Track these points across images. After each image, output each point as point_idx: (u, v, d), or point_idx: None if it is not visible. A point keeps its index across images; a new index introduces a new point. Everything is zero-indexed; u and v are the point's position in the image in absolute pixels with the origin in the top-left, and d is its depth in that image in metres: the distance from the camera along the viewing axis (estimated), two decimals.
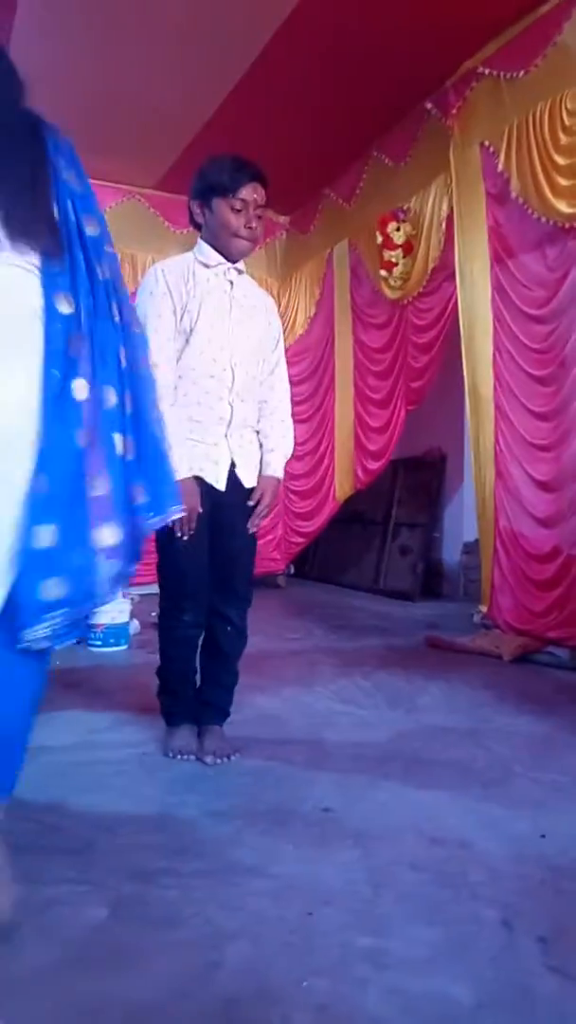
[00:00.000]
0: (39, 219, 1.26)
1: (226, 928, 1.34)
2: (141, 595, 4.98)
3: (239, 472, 2.12)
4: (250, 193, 2.07)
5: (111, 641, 3.62)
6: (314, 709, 2.70)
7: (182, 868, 1.54)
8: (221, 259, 2.13)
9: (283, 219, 5.89)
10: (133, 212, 5.39)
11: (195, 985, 1.19)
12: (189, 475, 2.00)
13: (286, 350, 6.83)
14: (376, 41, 3.72)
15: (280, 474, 2.22)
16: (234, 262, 2.15)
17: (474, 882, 1.49)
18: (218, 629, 2.20)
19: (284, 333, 6.30)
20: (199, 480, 2.05)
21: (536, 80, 3.51)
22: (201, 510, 2.02)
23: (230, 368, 2.09)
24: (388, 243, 4.54)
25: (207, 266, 2.12)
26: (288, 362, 6.73)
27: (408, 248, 4.50)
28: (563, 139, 3.34)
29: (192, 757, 2.16)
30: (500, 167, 3.68)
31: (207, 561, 2.13)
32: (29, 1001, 1.15)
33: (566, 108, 3.32)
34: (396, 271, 4.58)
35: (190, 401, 2.06)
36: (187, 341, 2.06)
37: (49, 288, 1.24)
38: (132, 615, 3.90)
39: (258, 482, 2.17)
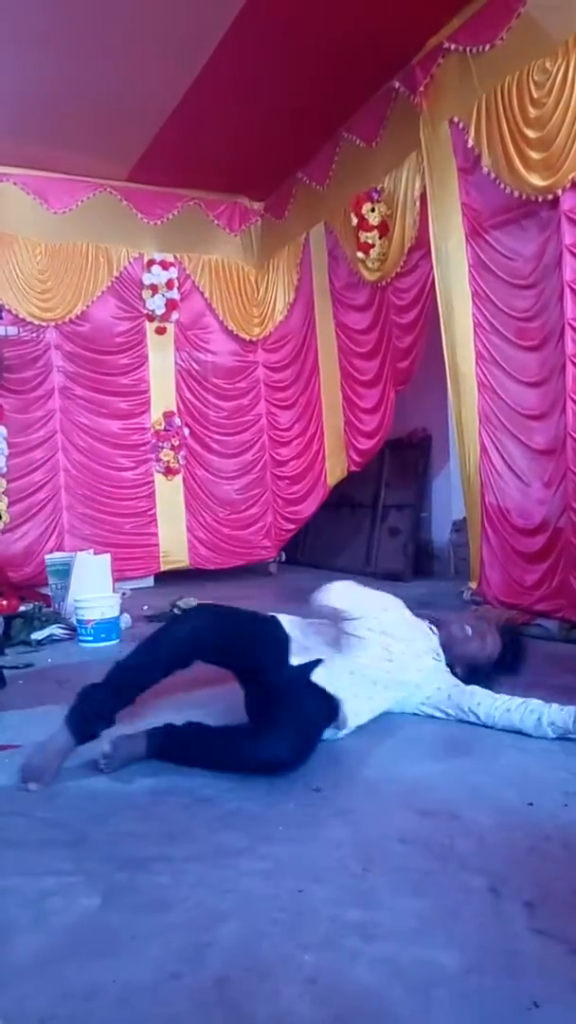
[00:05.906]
0: None
1: (217, 909, 1.36)
2: (132, 589, 5.00)
3: None
4: None
5: (101, 636, 3.62)
6: None
7: (173, 853, 1.56)
8: None
9: (257, 205, 5.86)
10: (104, 205, 5.35)
11: (187, 965, 1.20)
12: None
13: (266, 338, 6.71)
14: (340, 20, 3.69)
15: None
16: None
17: (462, 852, 1.51)
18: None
19: (263, 321, 6.26)
20: None
21: (502, 54, 3.49)
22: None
23: None
24: (364, 224, 4.53)
25: None
26: (269, 349, 6.64)
27: (384, 229, 4.49)
28: (532, 112, 3.32)
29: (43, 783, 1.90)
30: (470, 143, 3.66)
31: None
32: (25, 989, 1.16)
33: (534, 80, 3.30)
34: (373, 252, 4.57)
35: None
36: None
37: None
38: (123, 609, 3.90)
39: None
